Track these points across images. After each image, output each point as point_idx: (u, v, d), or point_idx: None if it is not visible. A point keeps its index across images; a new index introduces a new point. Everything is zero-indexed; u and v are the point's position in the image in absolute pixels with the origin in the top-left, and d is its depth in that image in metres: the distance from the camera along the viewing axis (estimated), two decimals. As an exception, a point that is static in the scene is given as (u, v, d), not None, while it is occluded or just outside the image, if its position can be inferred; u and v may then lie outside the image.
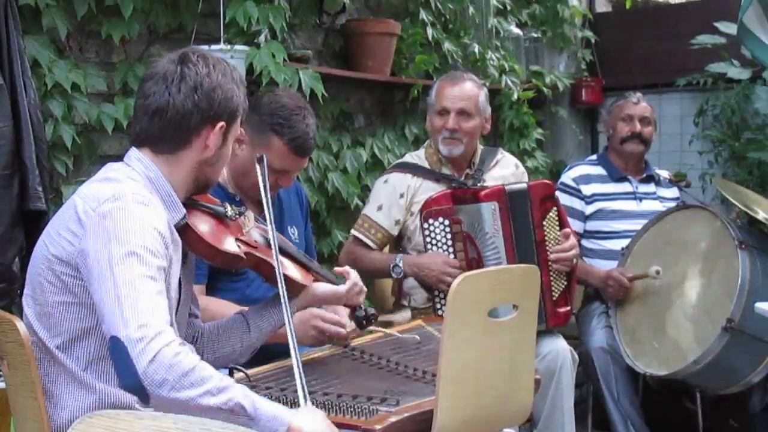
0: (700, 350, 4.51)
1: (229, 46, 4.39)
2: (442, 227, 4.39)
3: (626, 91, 5.77)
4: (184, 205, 2.84)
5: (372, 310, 3.62)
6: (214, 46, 4.38)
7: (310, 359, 3.44)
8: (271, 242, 2.97)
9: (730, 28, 5.82)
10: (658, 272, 4.73)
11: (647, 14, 7.59)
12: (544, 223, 4.49)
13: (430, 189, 4.57)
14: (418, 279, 4.45)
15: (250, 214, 3.08)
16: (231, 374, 2.90)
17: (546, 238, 4.48)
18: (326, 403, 2.94)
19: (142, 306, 2.46)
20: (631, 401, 4.88)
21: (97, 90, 4.20)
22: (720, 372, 4.59)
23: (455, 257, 4.38)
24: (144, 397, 2.43)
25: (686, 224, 4.88)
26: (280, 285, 2.92)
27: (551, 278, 4.49)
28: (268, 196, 3.05)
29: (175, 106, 2.74)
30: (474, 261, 4.38)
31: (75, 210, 2.63)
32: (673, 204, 5.27)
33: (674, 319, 4.72)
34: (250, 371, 3.05)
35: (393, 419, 2.84)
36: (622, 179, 5.34)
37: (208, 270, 3.66)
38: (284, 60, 4.55)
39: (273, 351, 3.49)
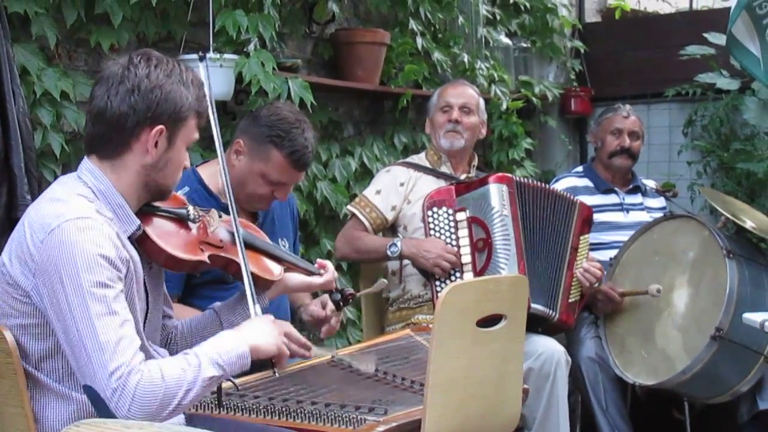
0: (689, 359, 4.52)
1: (218, 55, 4.38)
2: (445, 215, 4.51)
3: (615, 101, 5.78)
4: (143, 211, 2.82)
5: (350, 290, 3.65)
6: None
7: (299, 368, 3.43)
8: (236, 238, 2.98)
9: (719, 39, 5.83)
10: (659, 291, 4.72)
11: (637, 24, 7.60)
12: (581, 237, 4.68)
13: (431, 182, 4.73)
14: (414, 261, 4.51)
15: (214, 212, 3.03)
16: (219, 384, 2.88)
17: (579, 249, 4.65)
18: (314, 412, 2.94)
19: (107, 350, 2.47)
20: (620, 411, 4.89)
21: (86, 98, 4.17)
22: (708, 381, 4.60)
23: (457, 244, 4.47)
24: None
25: (674, 234, 4.89)
26: (246, 281, 2.93)
27: (572, 283, 4.63)
28: (226, 172, 3.07)
29: (113, 108, 2.70)
30: (481, 241, 4.45)
31: (25, 239, 2.61)
32: (660, 214, 5.28)
33: (663, 328, 4.73)
34: (238, 381, 3.04)
35: (381, 428, 2.85)
36: (608, 191, 5.36)
37: (198, 278, 3.66)
38: (273, 69, 4.54)
39: (261, 361, 3.49)
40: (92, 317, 2.49)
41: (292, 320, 4.02)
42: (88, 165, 2.77)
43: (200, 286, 3.68)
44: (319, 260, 3.43)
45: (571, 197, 4.75)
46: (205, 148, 4.69)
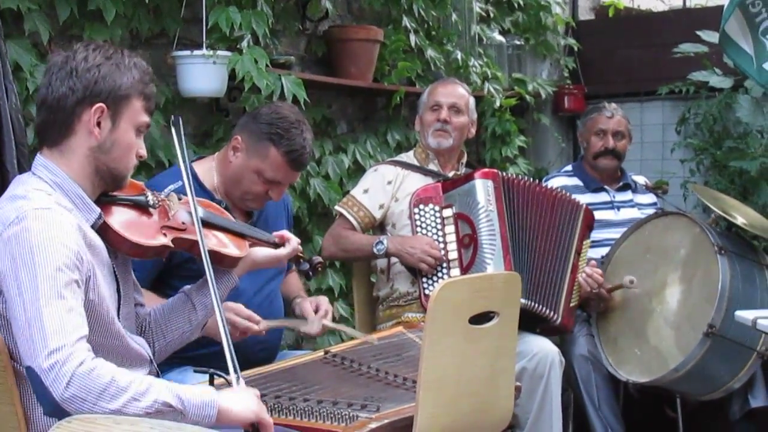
0: (682, 356, 4.53)
1: (211, 52, 4.38)
2: (432, 212, 4.52)
3: (609, 98, 5.78)
4: (102, 202, 2.82)
5: (317, 258, 3.62)
6: (196, 51, 4.38)
7: (291, 365, 3.44)
8: (193, 216, 2.96)
9: (713, 37, 5.84)
10: (632, 281, 4.74)
11: (630, 22, 7.61)
12: (584, 242, 4.70)
13: (418, 179, 4.72)
14: (399, 258, 4.52)
15: (174, 196, 3.03)
16: (211, 380, 2.88)
17: (581, 254, 4.67)
18: (306, 409, 2.94)
19: (49, 330, 2.45)
20: (612, 409, 4.89)
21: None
22: (701, 378, 4.61)
23: (443, 240, 4.47)
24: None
25: (665, 231, 4.90)
26: (204, 260, 2.89)
27: (574, 287, 4.64)
28: (187, 162, 3.03)
29: (53, 93, 2.74)
30: (467, 237, 4.44)
31: None
32: (650, 209, 5.29)
33: (655, 326, 4.73)
34: (229, 377, 3.03)
35: (373, 425, 2.85)
36: (598, 189, 5.36)
37: (175, 271, 3.65)
38: (267, 66, 4.53)
39: (254, 358, 3.50)
40: (39, 297, 2.48)
41: (286, 313, 4.04)
42: (41, 160, 2.78)
43: (181, 280, 3.66)
44: (276, 233, 3.41)
45: (575, 200, 4.74)
46: (198, 144, 4.69)
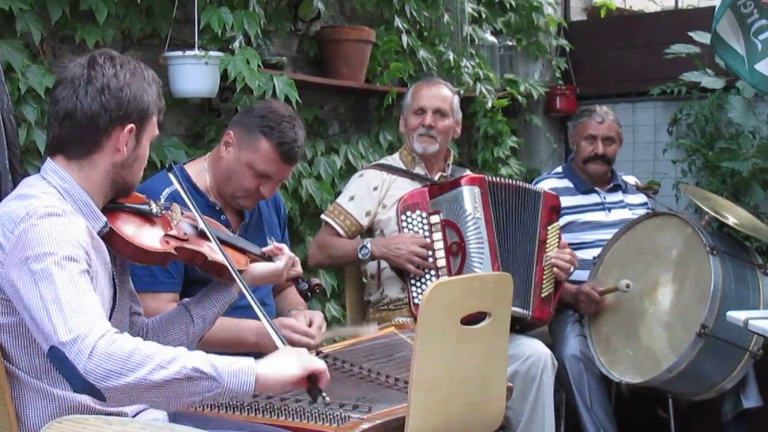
0: (675, 357, 4.53)
1: (203, 52, 4.38)
2: (420, 218, 4.48)
3: (601, 99, 5.79)
4: (108, 208, 2.84)
5: (316, 280, 3.66)
6: (188, 52, 4.38)
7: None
8: (206, 231, 3.01)
9: (704, 38, 5.85)
10: (628, 286, 4.73)
11: (622, 23, 7.62)
12: (549, 228, 4.62)
13: (405, 184, 4.69)
14: (386, 261, 4.51)
15: (177, 207, 3.05)
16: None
17: (548, 241, 4.60)
18: (299, 409, 2.94)
19: (68, 310, 2.45)
20: (604, 409, 4.88)
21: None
22: (694, 379, 4.61)
23: (432, 248, 4.45)
24: (97, 394, 2.43)
25: (657, 231, 4.90)
26: (233, 271, 2.94)
27: (544, 276, 4.58)
28: (191, 201, 3.06)
29: (83, 108, 2.72)
30: (455, 245, 4.43)
31: None
32: (641, 210, 5.29)
33: (648, 326, 4.73)
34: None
35: (365, 426, 2.85)
36: (589, 191, 5.34)
37: (184, 277, 3.64)
38: (258, 66, 4.54)
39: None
40: (55, 282, 2.48)
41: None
42: (52, 165, 2.78)
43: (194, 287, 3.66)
44: (265, 248, 3.40)
45: (536, 188, 4.72)
46: (190, 145, 4.68)
